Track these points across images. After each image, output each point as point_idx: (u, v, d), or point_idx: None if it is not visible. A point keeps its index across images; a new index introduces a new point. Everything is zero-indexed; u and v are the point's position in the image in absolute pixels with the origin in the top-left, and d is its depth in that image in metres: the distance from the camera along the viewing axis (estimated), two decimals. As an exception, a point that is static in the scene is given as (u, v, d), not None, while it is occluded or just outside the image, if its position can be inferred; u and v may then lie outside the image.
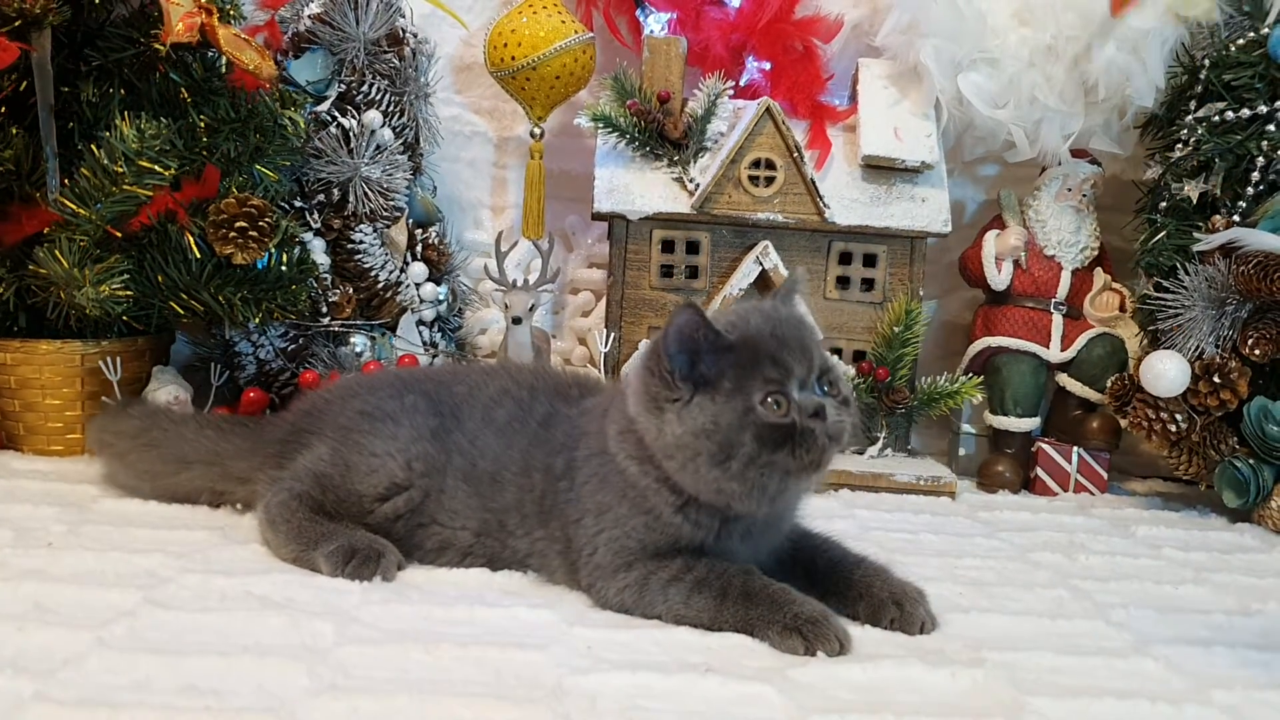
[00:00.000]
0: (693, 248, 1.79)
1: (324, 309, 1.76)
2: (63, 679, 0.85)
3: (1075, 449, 1.83)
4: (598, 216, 1.84)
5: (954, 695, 0.93)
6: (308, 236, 1.75)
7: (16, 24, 1.46)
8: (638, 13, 1.97)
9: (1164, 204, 1.77)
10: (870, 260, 1.81)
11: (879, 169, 1.81)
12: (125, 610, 1.00)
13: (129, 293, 1.46)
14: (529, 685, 0.88)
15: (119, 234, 1.51)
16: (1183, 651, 1.06)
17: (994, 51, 1.80)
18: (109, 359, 1.58)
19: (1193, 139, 1.72)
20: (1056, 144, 1.84)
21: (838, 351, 1.81)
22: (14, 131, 1.51)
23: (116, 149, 1.43)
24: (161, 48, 1.56)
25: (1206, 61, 1.74)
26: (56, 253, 1.41)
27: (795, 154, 1.74)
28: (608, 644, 0.99)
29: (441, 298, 1.90)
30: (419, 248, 1.89)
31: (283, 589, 1.07)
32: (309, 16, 1.80)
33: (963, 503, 1.70)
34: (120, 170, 1.43)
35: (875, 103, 1.84)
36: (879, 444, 1.80)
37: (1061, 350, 1.88)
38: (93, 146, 1.46)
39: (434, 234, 1.93)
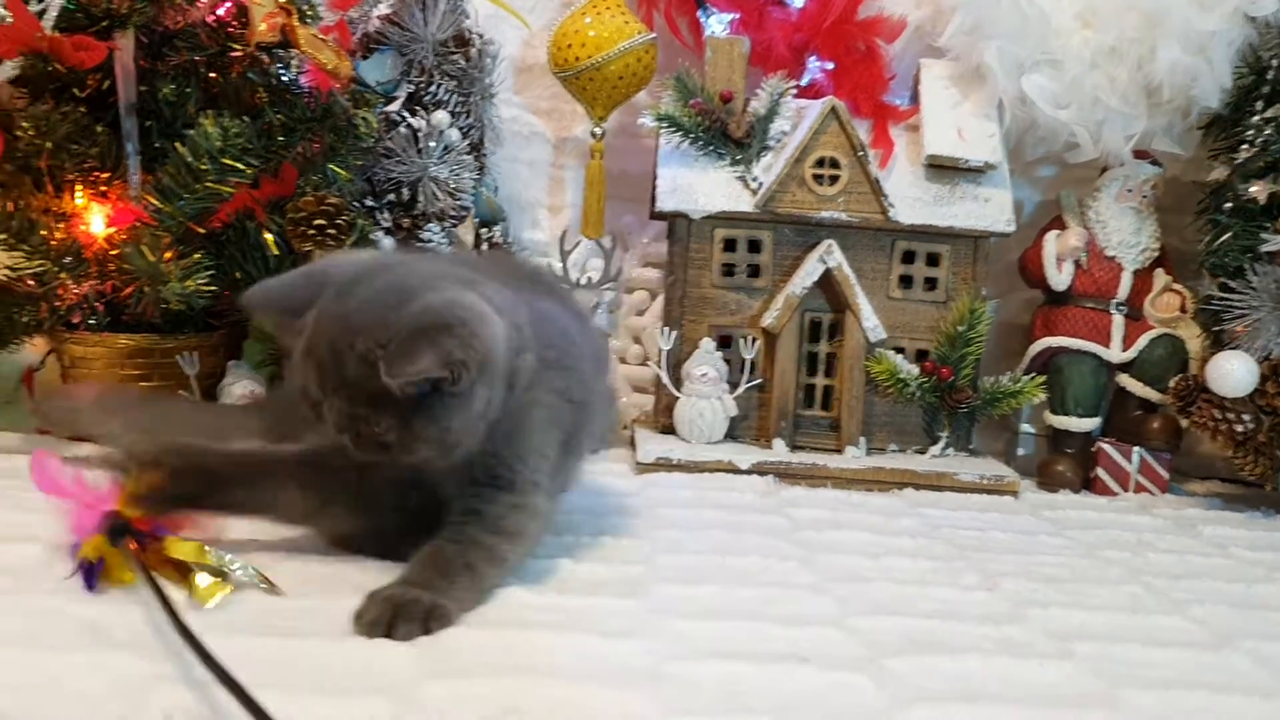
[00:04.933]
0: (754, 246, 1.81)
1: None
2: (178, 662, 0.87)
3: (1136, 449, 1.83)
4: (659, 216, 1.86)
5: (1044, 686, 0.94)
6: (378, 235, 1.78)
7: (103, 24, 1.50)
8: (699, 13, 1.99)
9: (1229, 205, 1.77)
10: (933, 259, 1.82)
11: (942, 169, 1.82)
12: (231, 595, 1.02)
13: (213, 288, 1.49)
14: (627, 671, 0.90)
15: (202, 230, 1.54)
16: (1267, 647, 1.07)
17: (1057, 53, 1.81)
18: (186, 353, 1.61)
19: (1260, 139, 1.73)
20: (1119, 145, 1.84)
21: (900, 350, 1.81)
22: (98, 130, 1.54)
23: (200, 146, 1.46)
24: (239, 47, 1.60)
25: (1275, 61, 1.74)
26: (143, 248, 1.44)
27: (860, 153, 1.75)
28: (699, 634, 1.00)
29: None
30: (484, 247, 1.92)
31: (390, 575, 1.08)
32: (378, 17, 1.84)
33: (1025, 501, 1.71)
34: (204, 167, 1.47)
35: (938, 103, 1.85)
36: (941, 443, 1.81)
37: (1123, 350, 1.89)
38: (177, 144, 1.49)
39: (498, 233, 1.95)
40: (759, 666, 0.92)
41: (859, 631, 1.03)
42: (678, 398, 1.79)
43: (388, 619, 0.95)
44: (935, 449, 1.82)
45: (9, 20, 1.46)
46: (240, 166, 1.49)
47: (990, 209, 1.81)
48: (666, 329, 1.80)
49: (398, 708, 0.81)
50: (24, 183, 1.54)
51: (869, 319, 1.76)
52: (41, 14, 1.48)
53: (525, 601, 1.06)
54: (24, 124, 1.48)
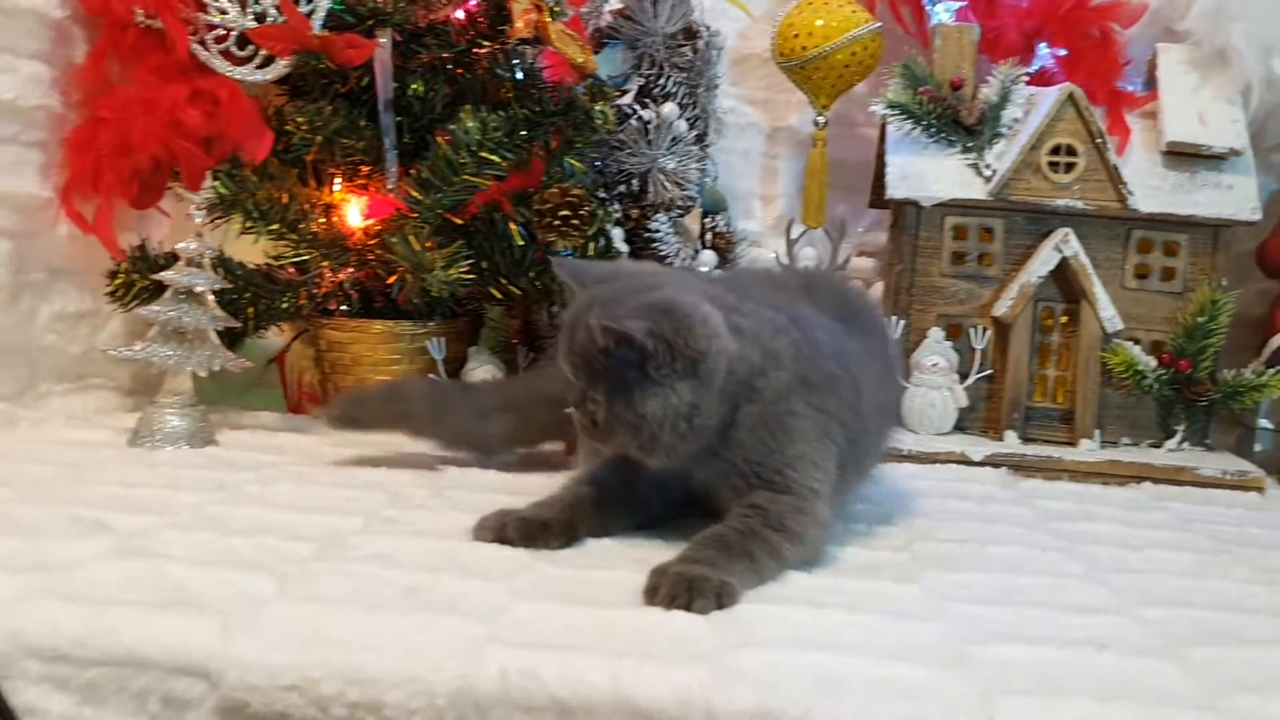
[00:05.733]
0: (986, 234, 1.79)
1: (623, 294, 1.82)
2: (500, 624, 0.91)
3: (1387, 445, 1.76)
4: (884, 204, 1.85)
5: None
6: (608, 225, 1.82)
7: (369, 23, 1.57)
8: (926, 1, 1.98)
9: None
10: (1170, 249, 1.78)
11: (1181, 155, 1.77)
12: (523, 564, 1.07)
13: (473, 276, 1.56)
14: (934, 652, 0.91)
15: (459, 221, 1.61)
16: None
17: (1309, 32, 1.75)
18: (434, 339, 1.68)
19: None
20: (1376, 127, 1.77)
21: (1135, 341, 1.77)
22: (362, 125, 1.62)
23: (460, 140, 1.52)
24: (487, 44, 1.66)
25: None
26: (410, 238, 1.50)
27: (1098, 140, 1.72)
28: (988, 619, 1.01)
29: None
30: (708, 236, 1.95)
31: (662, 551, 1.12)
32: (609, 12, 1.88)
33: (1272, 498, 1.65)
34: (462, 160, 1.53)
35: (1177, 88, 1.80)
36: (1177, 437, 1.76)
37: (1373, 343, 1.81)
38: (439, 138, 1.56)
39: (721, 222, 1.98)
40: (1061, 651, 0.92)
41: (1148, 621, 1.02)
42: (905, 388, 1.78)
43: (684, 593, 0.98)
44: (1171, 443, 1.77)
45: (283, 21, 1.54)
46: (496, 160, 1.55)
47: (1233, 197, 1.76)
48: (894, 318, 1.80)
49: (718, 675, 0.84)
50: (290, 176, 1.63)
51: (1106, 309, 1.72)
52: (310, 14, 1.56)
53: (803, 583, 1.08)
54: (298, 120, 1.57)
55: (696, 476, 1.17)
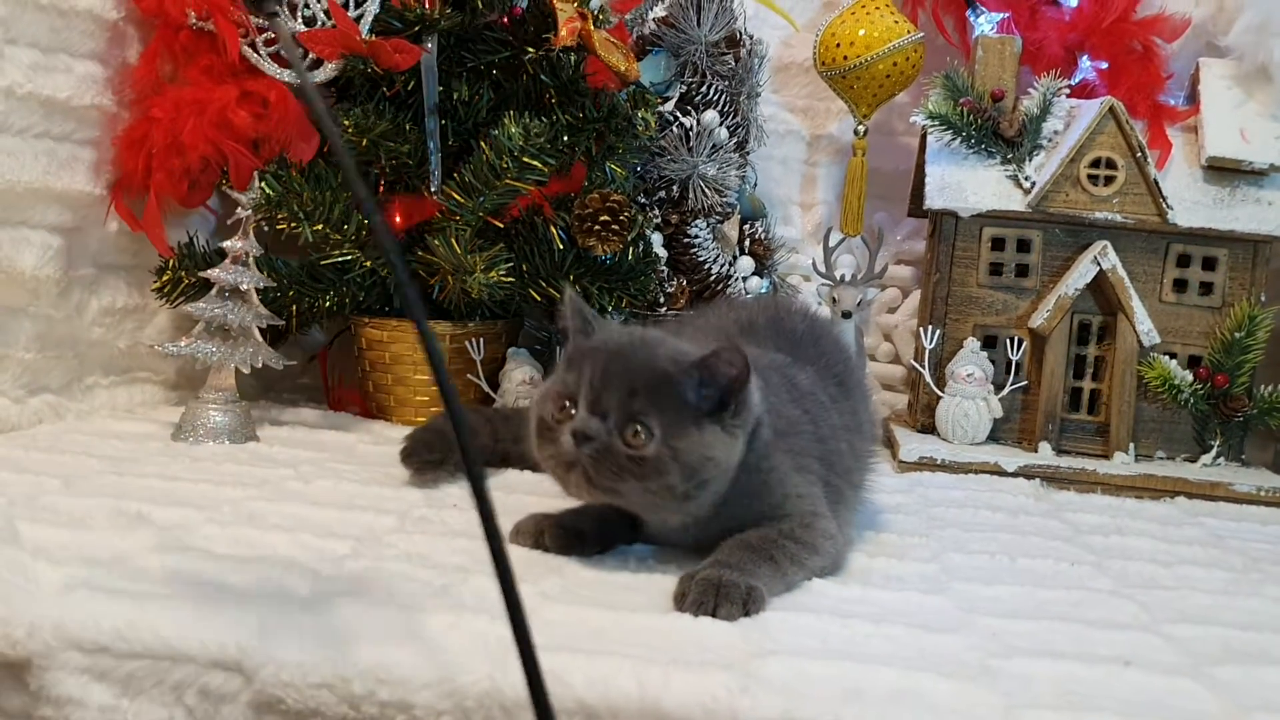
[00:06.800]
0: (1023, 246, 1.79)
1: (661, 299, 1.84)
2: (536, 622, 0.93)
3: None
4: (923, 213, 1.86)
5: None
6: (647, 230, 1.84)
7: (416, 29, 1.59)
8: (968, 13, 1.98)
9: None
10: (1209, 263, 1.77)
11: (1222, 170, 1.77)
12: (553, 567, 1.09)
13: (513, 279, 1.57)
14: (958, 664, 0.92)
15: (500, 224, 1.63)
16: None
17: (1353, 49, 1.74)
18: (473, 340, 1.70)
19: None
20: None
21: (1171, 355, 1.77)
22: (407, 128, 1.64)
23: (503, 145, 1.54)
24: (533, 50, 1.67)
25: None
26: (453, 240, 1.53)
27: (1139, 154, 1.72)
28: (1014, 632, 1.01)
29: (765, 290, 1.96)
30: (747, 242, 1.96)
31: (689, 556, 1.13)
32: (653, 20, 1.90)
33: (1309, 516, 1.65)
34: (505, 165, 1.55)
35: (1219, 103, 1.80)
36: (1213, 452, 1.76)
37: None
38: (482, 143, 1.58)
39: (760, 229, 1.99)
40: (1087, 667, 0.93)
41: (1175, 638, 1.03)
42: (940, 397, 1.79)
43: (712, 598, 0.99)
44: (1206, 458, 1.76)
45: (331, 25, 1.57)
46: (538, 165, 1.56)
47: (1273, 213, 1.75)
48: (930, 327, 1.80)
49: (745, 682, 0.85)
50: (336, 177, 1.65)
51: (1143, 322, 1.72)
52: (359, 19, 1.59)
53: (831, 593, 1.09)
54: (345, 122, 1.59)
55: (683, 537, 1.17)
